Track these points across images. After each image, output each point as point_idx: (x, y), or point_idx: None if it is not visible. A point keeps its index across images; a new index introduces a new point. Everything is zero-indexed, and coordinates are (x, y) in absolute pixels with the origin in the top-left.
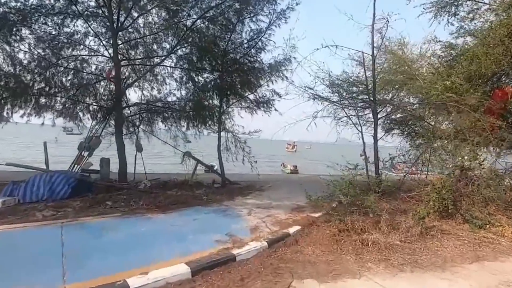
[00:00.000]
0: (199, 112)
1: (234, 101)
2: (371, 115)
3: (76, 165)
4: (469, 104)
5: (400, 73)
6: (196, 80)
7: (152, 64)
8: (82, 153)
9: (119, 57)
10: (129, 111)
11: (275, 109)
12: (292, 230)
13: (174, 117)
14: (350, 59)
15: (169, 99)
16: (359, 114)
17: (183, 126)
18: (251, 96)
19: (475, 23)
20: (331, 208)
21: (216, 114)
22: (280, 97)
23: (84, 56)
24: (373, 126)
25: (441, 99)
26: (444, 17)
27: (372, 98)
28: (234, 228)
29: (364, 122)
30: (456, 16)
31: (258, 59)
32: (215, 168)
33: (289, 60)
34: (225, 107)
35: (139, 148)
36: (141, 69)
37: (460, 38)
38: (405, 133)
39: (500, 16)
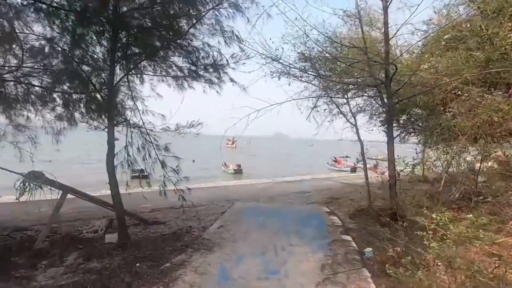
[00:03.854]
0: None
1: (142, 60)
2: (362, 100)
3: None
4: None
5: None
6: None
7: None
8: None
9: None
10: None
11: (232, 80)
12: None
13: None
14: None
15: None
16: (349, 98)
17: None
18: (174, 58)
19: None
20: None
21: (99, 87)
22: (236, 62)
23: None
24: (373, 116)
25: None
26: None
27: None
28: None
29: (357, 109)
30: None
31: None
32: (145, 173)
33: None
34: (120, 74)
35: None
36: None
37: None
38: (404, 125)
39: None
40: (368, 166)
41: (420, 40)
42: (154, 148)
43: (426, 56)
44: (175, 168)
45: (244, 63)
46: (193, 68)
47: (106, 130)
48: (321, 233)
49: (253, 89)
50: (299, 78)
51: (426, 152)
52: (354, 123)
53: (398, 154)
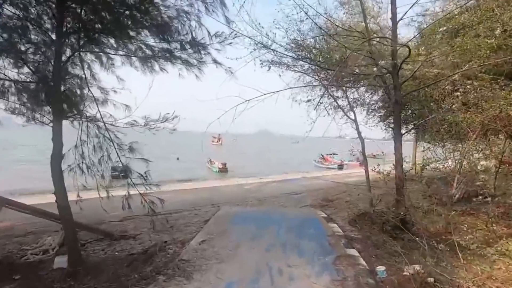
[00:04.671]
0: None
1: (96, 33)
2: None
3: None
4: None
5: None
6: None
7: None
8: None
9: None
10: None
11: (215, 62)
12: None
13: None
14: None
15: None
16: (349, 89)
17: None
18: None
19: None
20: None
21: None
22: (222, 42)
23: None
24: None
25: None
26: None
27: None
28: None
29: (355, 103)
30: None
31: None
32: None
33: None
34: (69, 51)
35: None
36: None
37: None
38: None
39: None
40: (353, 163)
41: (425, 28)
42: (115, 148)
43: (423, 47)
44: (143, 174)
45: (231, 43)
46: (165, 46)
47: (51, 124)
48: (323, 247)
49: (240, 77)
50: (292, 67)
51: (430, 150)
52: (353, 118)
53: (384, 151)
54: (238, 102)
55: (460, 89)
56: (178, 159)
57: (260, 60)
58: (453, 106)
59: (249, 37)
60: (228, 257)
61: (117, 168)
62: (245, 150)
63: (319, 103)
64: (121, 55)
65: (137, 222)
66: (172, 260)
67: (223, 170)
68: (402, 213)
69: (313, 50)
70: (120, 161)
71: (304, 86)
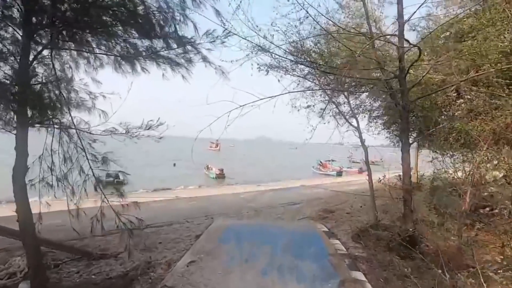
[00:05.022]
0: None
1: (67, 28)
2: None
3: None
4: None
5: None
6: None
7: None
8: None
9: None
10: None
11: (204, 60)
12: None
13: None
14: None
15: None
16: (353, 94)
17: None
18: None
19: None
20: None
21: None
22: (213, 41)
23: None
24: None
25: None
26: None
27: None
28: None
29: (358, 109)
30: None
31: None
32: (121, 179)
33: None
34: (36, 47)
35: None
36: None
37: None
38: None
39: None
40: (352, 170)
41: (432, 32)
42: (87, 158)
43: (425, 53)
44: (116, 188)
45: (223, 42)
46: (148, 43)
47: (15, 132)
48: (324, 269)
49: (234, 80)
50: (291, 72)
51: (438, 161)
52: (356, 125)
53: (382, 158)
54: (232, 107)
55: (466, 96)
56: (174, 165)
57: (258, 64)
58: (457, 113)
59: (244, 38)
60: (218, 283)
61: (111, 174)
62: (243, 156)
63: (323, 110)
64: (98, 53)
65: (123, 236)
66: (154, 286)
67: (220, 176)
68: (410, 229)
69: (312, 53)
70: (93, 173)
71: (304, 91)
